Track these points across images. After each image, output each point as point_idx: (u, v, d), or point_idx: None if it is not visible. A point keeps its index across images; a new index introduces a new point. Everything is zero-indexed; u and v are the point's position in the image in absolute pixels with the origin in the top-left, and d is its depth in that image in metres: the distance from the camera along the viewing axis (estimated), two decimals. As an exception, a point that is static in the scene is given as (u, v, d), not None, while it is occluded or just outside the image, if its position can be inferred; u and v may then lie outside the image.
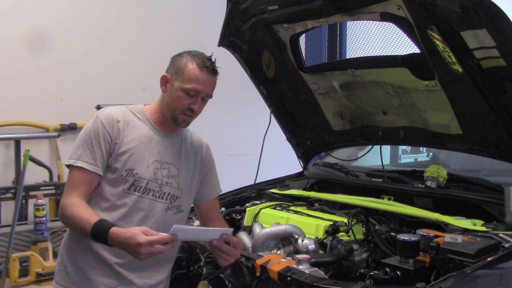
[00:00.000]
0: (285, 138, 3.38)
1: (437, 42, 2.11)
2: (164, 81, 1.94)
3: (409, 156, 3.99)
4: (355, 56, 5.26)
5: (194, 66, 1.86)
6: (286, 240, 2.24)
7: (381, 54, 3.44)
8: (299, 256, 1.90)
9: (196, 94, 1.87)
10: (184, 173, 2.01)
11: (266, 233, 2.23)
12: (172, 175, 1.96)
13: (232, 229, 1.84)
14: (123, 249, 1.65)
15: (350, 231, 2.15)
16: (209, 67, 1.87)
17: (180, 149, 2.02)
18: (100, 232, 1.69)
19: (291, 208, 2.59)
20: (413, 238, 1.88)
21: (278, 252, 2.17)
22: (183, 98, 1.87)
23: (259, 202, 2.79)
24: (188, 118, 1.92)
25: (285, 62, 2.93)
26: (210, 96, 1.93)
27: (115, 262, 1.87)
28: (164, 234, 1.62)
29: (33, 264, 4.04)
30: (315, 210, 2.59)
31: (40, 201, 4.27)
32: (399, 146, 3.76)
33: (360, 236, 2.20)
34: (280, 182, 3.23)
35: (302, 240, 2.09)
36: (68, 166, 1.88)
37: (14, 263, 3.97)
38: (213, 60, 1.90)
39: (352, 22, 4.29)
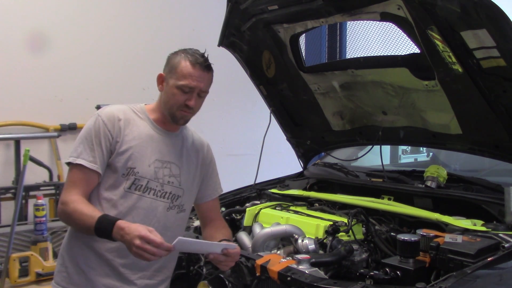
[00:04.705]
0: (285, 138, 3.38)
1: (437, 42, 2.11)
2: (160, 80, 1.95)
3: (409, 156, 3.99)
4: (355, 56, 5.25)
5: (187, 63, 1.88)
6: (286, 240, 2.24)
7: (381, 54, 3.44)
8: (299, 256, 1.90)
9: (190, 90, 1.88)
10: (186, 172, 2.01)
11: (266, 233, 2.23)
12: (173, 174, 1.96)
13: (236, 245, 1.83)
14: (123, 240, 1.65)
15: (350, 231, 2.15)
16: (202, 64, 1.89)
17: (181, 148, 2.02)
18: (105, 225, 1.68)
19: (291, 208, 2.59)
20: (413, 238, 1.88)
21: (278, 252, 2.17)
22: (178, 95, 1.88)
23: (259, 202, 2.79)
24: (186, 114, 1.92)
25: (285, 62, 2.92)
26: (206, 92, 1.93)
27: (118, 262, 1.86)
28: (165, 242, 1.61)
29: (33, 264, 4.04)
30: (315, 210, 2.59)
31: (40, 201, 4.27)
32: (399, 146, 3.76)
33: (360, 236, 2.20)
34: (280, 182, 3.23)
35: (302, 240, 2.09)
36: (68, 164, 1.88)
37: (14, 263, 3.97)
38: (206, 56, 1.92)
39: (352, 22, 4.29)
